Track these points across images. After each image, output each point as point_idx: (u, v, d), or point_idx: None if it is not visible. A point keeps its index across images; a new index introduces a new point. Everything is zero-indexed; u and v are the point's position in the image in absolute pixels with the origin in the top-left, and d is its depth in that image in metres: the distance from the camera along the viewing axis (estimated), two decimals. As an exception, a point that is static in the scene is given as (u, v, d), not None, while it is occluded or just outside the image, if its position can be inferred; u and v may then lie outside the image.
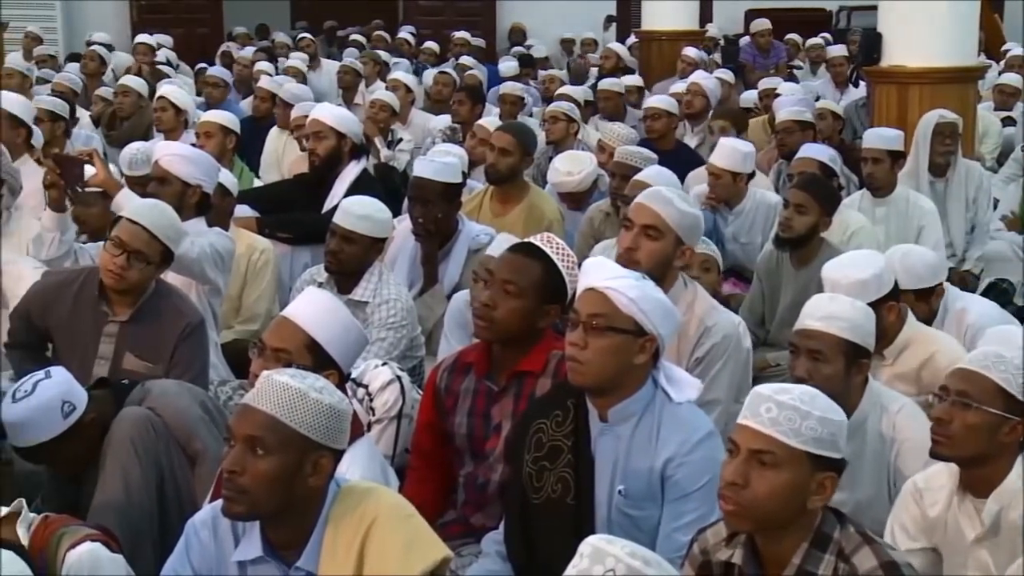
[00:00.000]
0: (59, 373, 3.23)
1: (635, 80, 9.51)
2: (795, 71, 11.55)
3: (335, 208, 4.55)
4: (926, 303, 4.07)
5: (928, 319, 4.05)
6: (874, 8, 7.23)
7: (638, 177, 4.79)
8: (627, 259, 3.50)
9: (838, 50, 10.54)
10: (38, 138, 6.13)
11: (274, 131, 7.57)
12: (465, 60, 11.46)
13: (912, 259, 4.09)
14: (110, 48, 11.15)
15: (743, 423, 2.36)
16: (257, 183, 6.45)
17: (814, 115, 7.07)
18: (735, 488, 2.33)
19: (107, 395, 3.36)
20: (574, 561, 2.10)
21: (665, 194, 3.62)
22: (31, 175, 4.99)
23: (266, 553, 2.49)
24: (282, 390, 2.41)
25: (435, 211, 4.80)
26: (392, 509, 2.49)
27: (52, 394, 3.16)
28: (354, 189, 5.31)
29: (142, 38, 11.16)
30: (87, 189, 4.59)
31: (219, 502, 2.51)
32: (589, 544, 2.11)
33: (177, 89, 7.30)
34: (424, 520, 2.54)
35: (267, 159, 7.42)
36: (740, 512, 2.34)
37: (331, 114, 5.66)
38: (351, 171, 5.53)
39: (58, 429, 3.14)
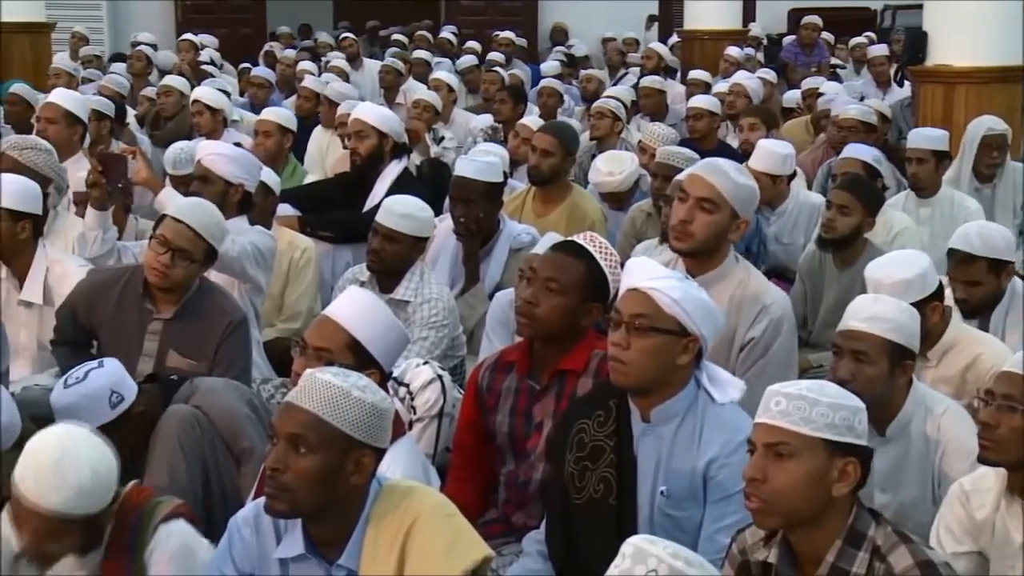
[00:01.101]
0: (111, 364, 3.28)
1: (702, 75, 9.37)
2: (838, 70, 11.47)
3: (376, 207, 4.56)
4: (996, 277, 4.00)
5: (994, 297, 4.00)
6: (919, 7, 7.18)
7: (680, 177, 4.76)
8: (681, 231, 3.46)
9: (879, 49, 10.46)
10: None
11: (317, 130, 7.61)
12: (494, 56, 11.45)
13: (989, 229, 4.05)
14: (155, 48, 11.25)
15: (756, 421, 2.38)
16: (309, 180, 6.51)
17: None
18: (756, 484, 2.35)
19: (156, 390, 3.39)
20: (616, 561, 2.10)
21: (721, 166, 3.54)
22: (84, 171, 5.03)
23: (308, 551, 2.49)
24: (325, 388, 2.42)
25: (477, 210, 4.81)
26: (434, 508, 2.49)
27: (102, 383, 3.21)
28: (395, 188, 5.32)
29: (186, 37, 11.24)
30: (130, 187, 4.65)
31: (262, 499, 2.52)
32: (631, 544, 2.11)
33: (209, 90, 7.33)
34: (465, 519, 2.54)
35: (310, 158, 7.46)
36: (765, 508, 2.35)
37: (373, 113, 5.68)
38: (392, 170, 5.55)
39: (105, 418, 3.17)
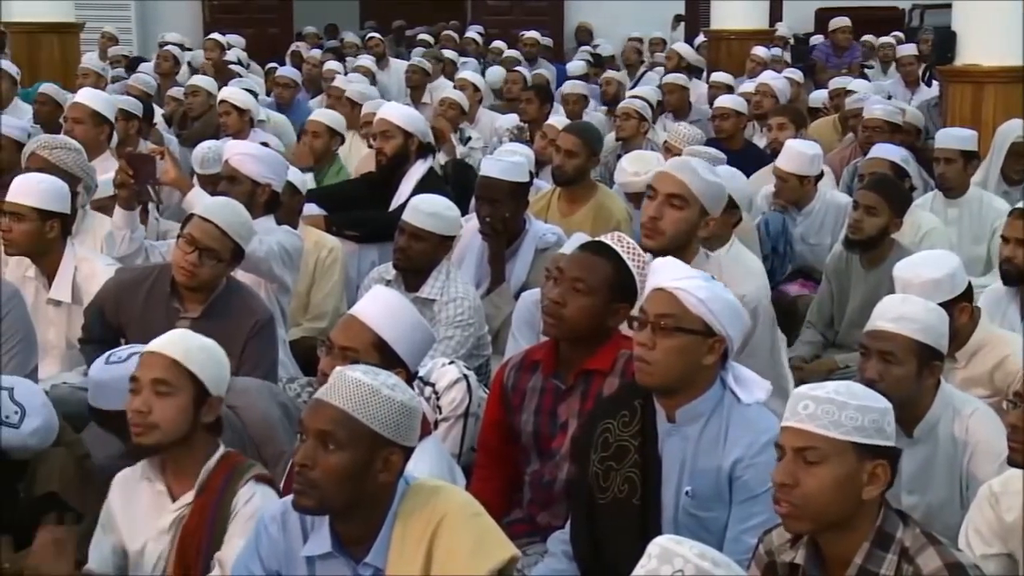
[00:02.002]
0: None
1: (724, 78, 9.34)
2: (867, 70, 11.42)
3: (402, 206, 4.57)
4: None
5: None
6: (948, 6, 7.14)
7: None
8: (651, 228, 3.50)
9: (908, 49, 10.41)
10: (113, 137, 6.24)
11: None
12: (516, 54, 11.44)
13: None
14: (182, 48, 11.30)
15: (785, 424, 2.37)
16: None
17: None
18: (786, 489, 2.33)
19: None
20: (642, 561, 2.10)
21: (690, 163, 3.60)
22: (112, 171, 5.06)
23: (335, 549, 2.50)
24: (355, 386, 2.43)
25: (502, 210, 4.81)
26: (461, 507, 2.50)
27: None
28: (421, 187, 5.33)
29: (211, 36, 11.28)
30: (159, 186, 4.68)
31: (289, 497, 2.53)
32: (657, 544, 2.10)
33: (236, 90, 7.36)
34: (492, 519, 2.54)
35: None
36: (795, 512, 2.34)
37: (398, 113, 5.68)
38: (418, 170, 5.55)
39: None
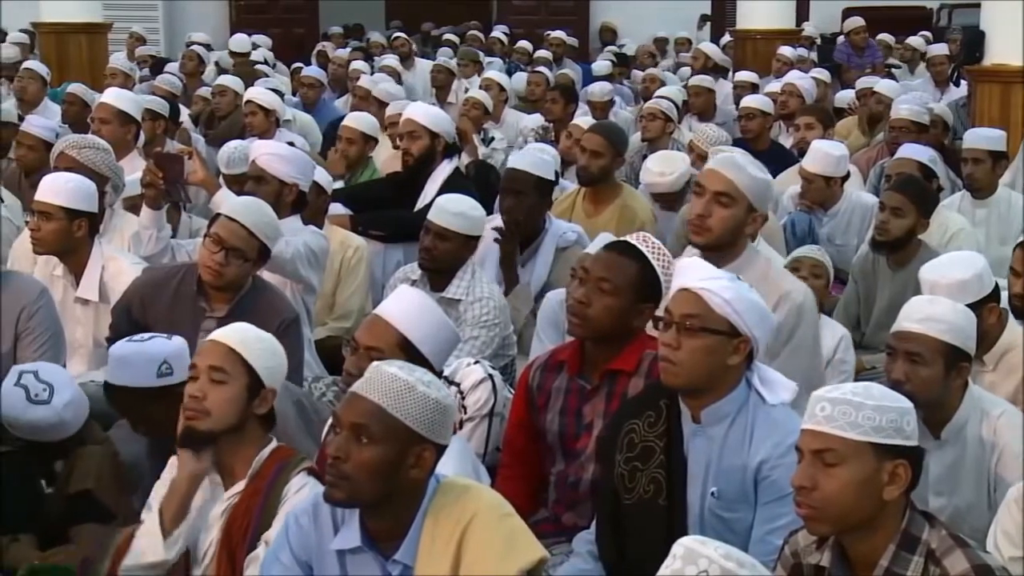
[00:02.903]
0: (178, 341, 3.39)
1: (750, 77, 9.31)
2: (894, 70, 11.36)
3: (428, 207, 4.58)
4: None
5: None
6: (976, 6, 7.11)
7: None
8: (699, 226, 3.48)
9: (939, 49, 10.34)
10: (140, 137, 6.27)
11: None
12: (540, 55, 11.43)
13: None
14: (209, 48, 11.36)
15: (803, 428, 2.36)
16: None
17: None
18: (805, 492, 2.33)
19: None
20: (667, 562, 2.09)
21: (737, 160, 3.57)
22: (139, 170, 5.08)
23: (364, 544, 2.51)
24: (390, 381, 2.44)
25: (526, 203, 4.83)
26: (491, 507, 2.50)
27: (158, 351, 3.31)
28: (446, 187, 5.34)
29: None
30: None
31: (320, 490, 2.55)
32: (683, 545, 2.10)
33: (263, 90, 7.37)
34: (521, 520, 2.54)
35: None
36: (816, 515, 2.34)
37: (424, 113, 5.68)
38: (443, 170, 5.56)
39: (147, 382, 3.27)
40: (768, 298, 3.44)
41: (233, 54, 10.73)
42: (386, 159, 6.82)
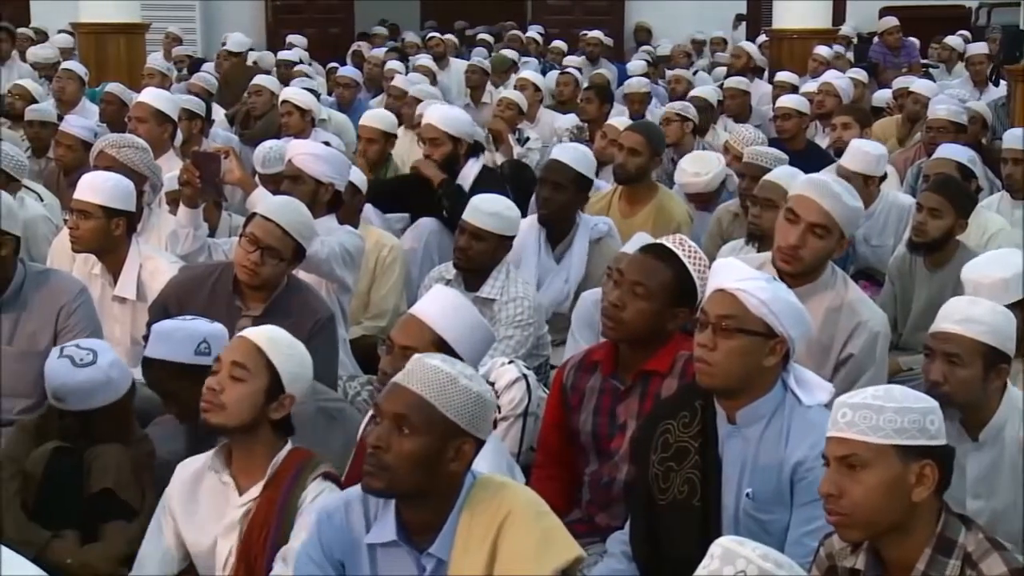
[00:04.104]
0: (218, 327, 3.44)
1: (789, 78, 9.25)
2: (931, 70, 11.27)
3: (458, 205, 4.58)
4: None
5: None
6: (1016, 5, 7.06)
7: (768, 177, 4.73)
8: (791, 256, 3.41)
9: (978, 48, 10.24)
10: (177, 137, 6.31)
11: (401, 130, 7.63)
12: (571, 59, 11.39)
13: None
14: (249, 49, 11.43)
15: (827, 435, 2.35)
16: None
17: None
18: (833, 499, 2.32)
19: None
20: (704, 562, 2.09)
21: (833, 188, 3.46)
22: (176, 169, 5.12)
23: (399, 537, 2.51)
24: (433, 373, 2.44)
25: (563, 195, 4.88)
26: (527, 505, 2.50)
27: (199, 331, 3.37)
28: (477, 185, 5.35)
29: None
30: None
31: (353, 488, 2.56)
32: (720, 545, 2.09)
33: (299, 90, 7.39)
34: (558, 518, 2.54)
35: (394, 156, 7.49)
36: (845, 521, 2.33)
37: (442, 118, 5.60)
38: (471, 170, 5.55)
39: (183, 358, 3.32)
40: (844, 322, 3.44)
41: (230, 54, 10.68)
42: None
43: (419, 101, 7.56)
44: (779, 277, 3.27)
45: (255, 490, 2.90)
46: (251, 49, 11.53)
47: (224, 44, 11.18)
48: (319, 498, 2.83)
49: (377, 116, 6.62)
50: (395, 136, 6.58)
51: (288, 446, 2.95)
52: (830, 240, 3.43)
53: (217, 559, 2.93)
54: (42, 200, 5.55)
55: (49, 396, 3.36)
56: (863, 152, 5.69)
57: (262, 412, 2.90)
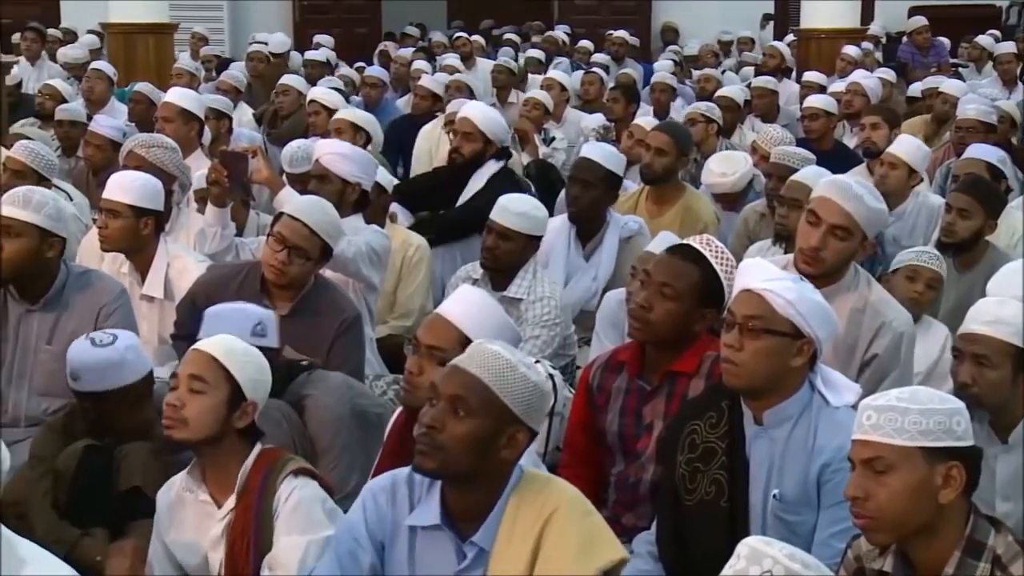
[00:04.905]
0: (270, 312, 3.51)
1: (817, 78, 9.21)
2: (961, 69, 11.20)
3: (467, 204, 4.58)
4: None
5: None
6: (1047, 2, 6.97)
7: (795, 177, 4.71)
8: (812, 257, 3.37)
9: (1007, 47, 10.18)
10: (205, 135, 6.33)
11: (427, 127, 7.63)
12: (590, 47, 11.33)
13: None
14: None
15: (852, 438, 2.34)
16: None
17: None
18: (859, 502, 2.31)
19: (283, 364, 3.47)
20: (731, 561, 2.08)
21: (855, 190, 3.41)
22: (204, 168, 5.14)
23: (443, 522, 2.51)
24: (493, 358, 2.45)
25: (593, 193, 4.89)
26: (574, 503, 2.50)
27: (256, 313, 3.42)
28: (490, 184, 5.37)
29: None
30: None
31: (399, 470, 2.56)
32: (747, 545, 2.09)
33: (326, 90, 7.42)
34: (602, 518, 2.54)
35: (419, 154, 7.49)
36: (872, 525, 2.32)
37: (482, 116, 5.65)
38: (489, 168, 5.56)
39: (241, 335, 3.29)
40: (868, 323, 3.40)
41: (273, 55, 10.74)
42: (445, 157, 6.81)
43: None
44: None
45: (231, 501, 2.88)
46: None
47: (252, 43, 11.24)
48: (292, 495, 2.80)
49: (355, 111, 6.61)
50: (367, 131, 6.35)
51: (256, 450, 2.92)
52: (852, 242, 3.39)
53: (210, 573, 2.92)
54: (71, 199, 5.58)
55: (68, 378, 3.40)
56: (915, 144, 5.64)
57: (226, 422, 2.87)
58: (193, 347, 2.95)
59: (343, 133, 6.25)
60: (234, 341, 2.97)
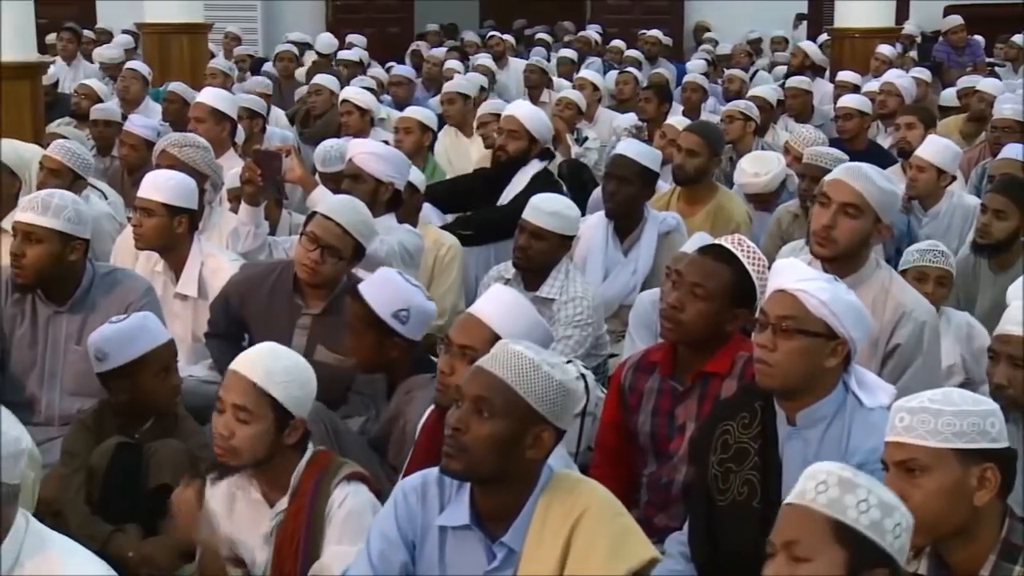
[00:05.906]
0: (431, 305, 3.62)
1: (851, 77, 9.16)
2: (997, 69, 11.11)
3: (510, 204, 4.58)
4: None
5: None
6: (1084, 3, 6.91)
7: (827, 178, 4.69)
8: (824, 237, 3.38)
9: (1043, 47, 10.10)
10: (239, 134, 6.36)
11: (446, 128, 7.63)
12: (631, 54, 11.32)
13: None
14: (309, 47, 11.50)
15: (885, 440, 2.33)
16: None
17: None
18: None
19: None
20: (805, 486, 2.10)
21: (864, 170, 3.44)
22: (236, 168, 5.16)
23: (472, 522, 2.51)
24: (516, 358, 2.45)
25: (629, 189, 4.90)
26: (604, 504, 2.50)
27: (408, 299, 3.51)
28: (533, 184, 5.36)
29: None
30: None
31: (429, 470, 2.56)
32: (829, 472, 2.09)
33: (358, 90, 7.44)
34: (633, 519, 2.54)
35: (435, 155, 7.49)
36: None
37: (529, 115, 5.65)
38: (532, 167, 5.56)
39: (381, 311, 3.48)
40: (889, 313, 3.39)
41: (319, 55, 10.81)
42: (478, 160, 6.83)
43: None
44: (822, 269, 3.25)
45: (283, 501, 2.89)
46: (310, 47, 11.61)
47: (286, 41, 11.29)
48: (346, 502, 2.81)
49: (416, 108, 6.74)
50: (432, 131, 6.57)
51: (309, 453, 2.92)
52: (863, 221, 3.38)
53: (256, 570, 2.94)
54: (106, 198, 5.61)
55: (93, 364, 3.47)
56: (943, 146, 5.60)
57: (276, 443, 2.86)
58: (232, 368, 2.90)
59: (411, 133, 6.38)
60: (272, 360, 2.90)
